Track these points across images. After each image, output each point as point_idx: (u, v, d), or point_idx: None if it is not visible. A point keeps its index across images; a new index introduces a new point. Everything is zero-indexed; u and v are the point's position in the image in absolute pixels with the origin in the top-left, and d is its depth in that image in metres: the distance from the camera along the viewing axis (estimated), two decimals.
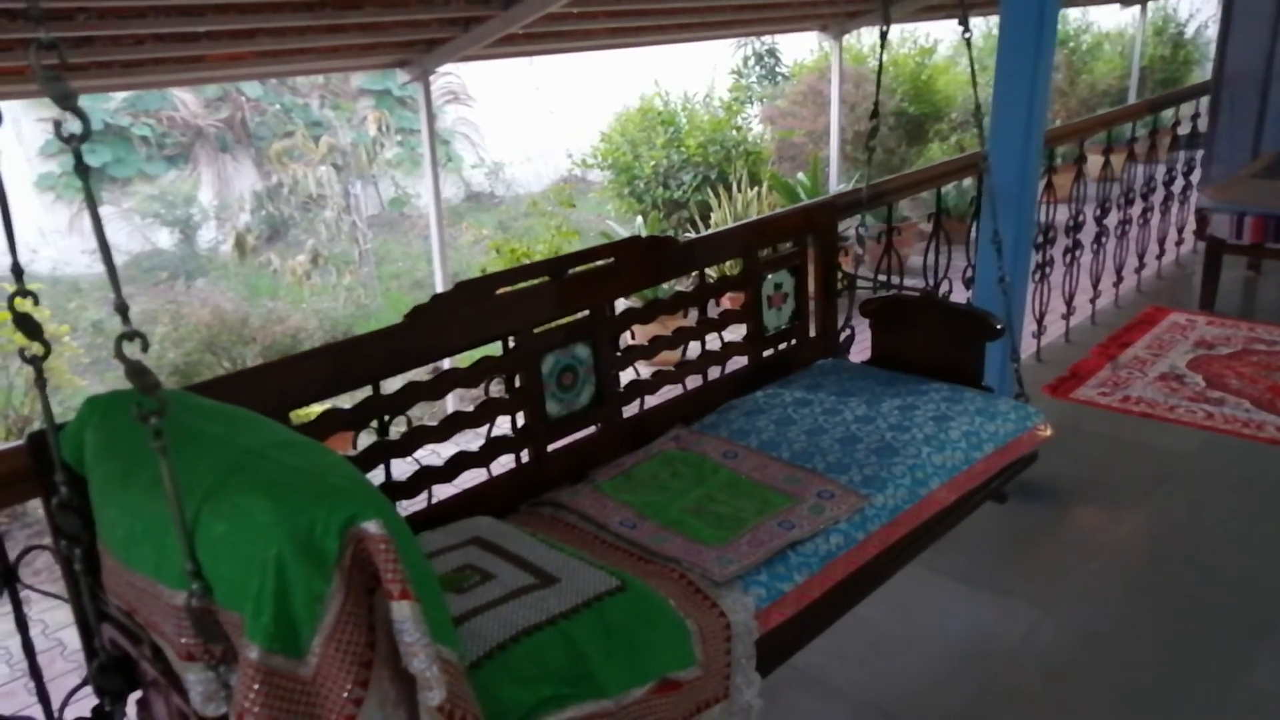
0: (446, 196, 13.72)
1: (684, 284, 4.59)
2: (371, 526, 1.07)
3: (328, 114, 11.56)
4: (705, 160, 8.58)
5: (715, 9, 6.24)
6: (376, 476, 1.89)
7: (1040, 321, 4.41)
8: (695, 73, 10.59)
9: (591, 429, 2.22)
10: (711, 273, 2.77)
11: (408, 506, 1.92)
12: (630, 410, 2.36)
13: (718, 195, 8.08)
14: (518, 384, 2.06)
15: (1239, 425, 3.64)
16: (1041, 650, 2.54)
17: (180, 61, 4.37)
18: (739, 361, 2.62)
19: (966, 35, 2.45)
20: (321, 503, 1.08)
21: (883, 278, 3.17)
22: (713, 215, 7.96)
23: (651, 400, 2.42)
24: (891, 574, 2.01)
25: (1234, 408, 3.78)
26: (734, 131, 9.13)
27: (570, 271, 2.12)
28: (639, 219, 7.97)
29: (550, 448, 2.13)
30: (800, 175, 8.33)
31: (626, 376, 2.34)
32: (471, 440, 2.05)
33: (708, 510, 1.91)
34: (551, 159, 13.16)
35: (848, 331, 3.05)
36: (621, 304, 3.06)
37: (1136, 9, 12.14)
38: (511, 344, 2.04)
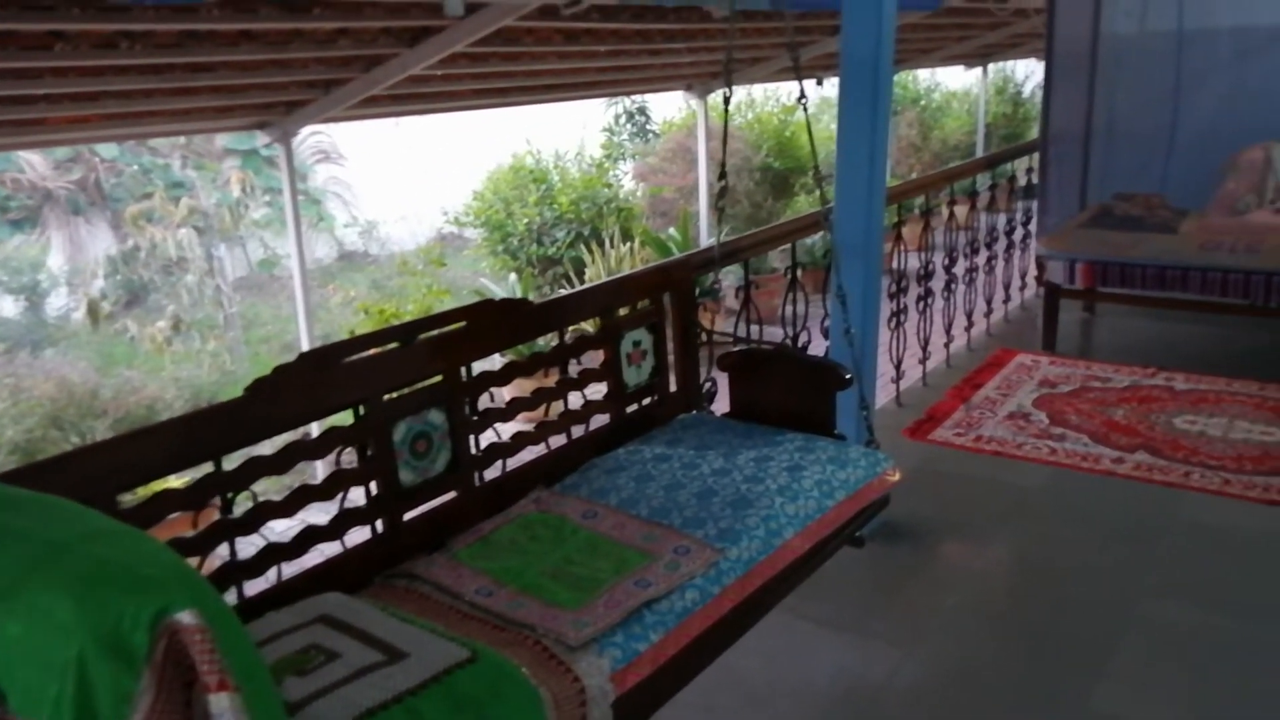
0: (319, 256, 13.44)
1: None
2: (185, 617, 1.02)
3: (190, 174, 11.20)
4: (578, 217, 8.68)
5: (581, 70, 6.36)
6: (219, 557, 1.82)
7: (898, 367, 4.61)
8: (567, 130, 10.77)
9: (449, 495, 2.19)
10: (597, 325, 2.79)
11: (253, 586, 1.85)
12: (492, 473, 2.34)
13: (591, 251, 8.18)
14: (369, 453, 2.02)
15: (1079, 459, 3.87)
16: (904, 689, 2.61)
17: (18, 125, 4.17)
18: (602, 419, 2.64)
19: (803, 102, 2.58)
20: (130, 596, 1.03)
21: (741, 332, 3.25)
22: (587, 270, 8.04)
23: (513, 462, 2.40)
24: (750, 625, 2.04)
25: (1074, 443, 4.02)
26: (606, 188, 9.28)
27: (421, 336, 2.10)
28: (512, 276, 7.97)
29: (406, 517, 2.09)
30: (671, 230, 8.52)
31: (488, 439, 2.33)
32: (322, 513, 1.99)
33: (566, 573, 1.90)
34: (426, 217, 13.09)
35: (710, 385, 3.11)
36: (497, 361, 3.07)
37: (979, 70, 13.01)
38: (362, 412, 2.00)
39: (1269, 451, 3.81)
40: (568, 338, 2.53)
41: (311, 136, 13.10)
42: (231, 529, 1.81)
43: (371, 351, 2.05)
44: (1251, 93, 5.06)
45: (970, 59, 11.83)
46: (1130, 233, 4.92)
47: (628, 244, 8.24)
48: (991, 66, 13.37)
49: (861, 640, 2.81)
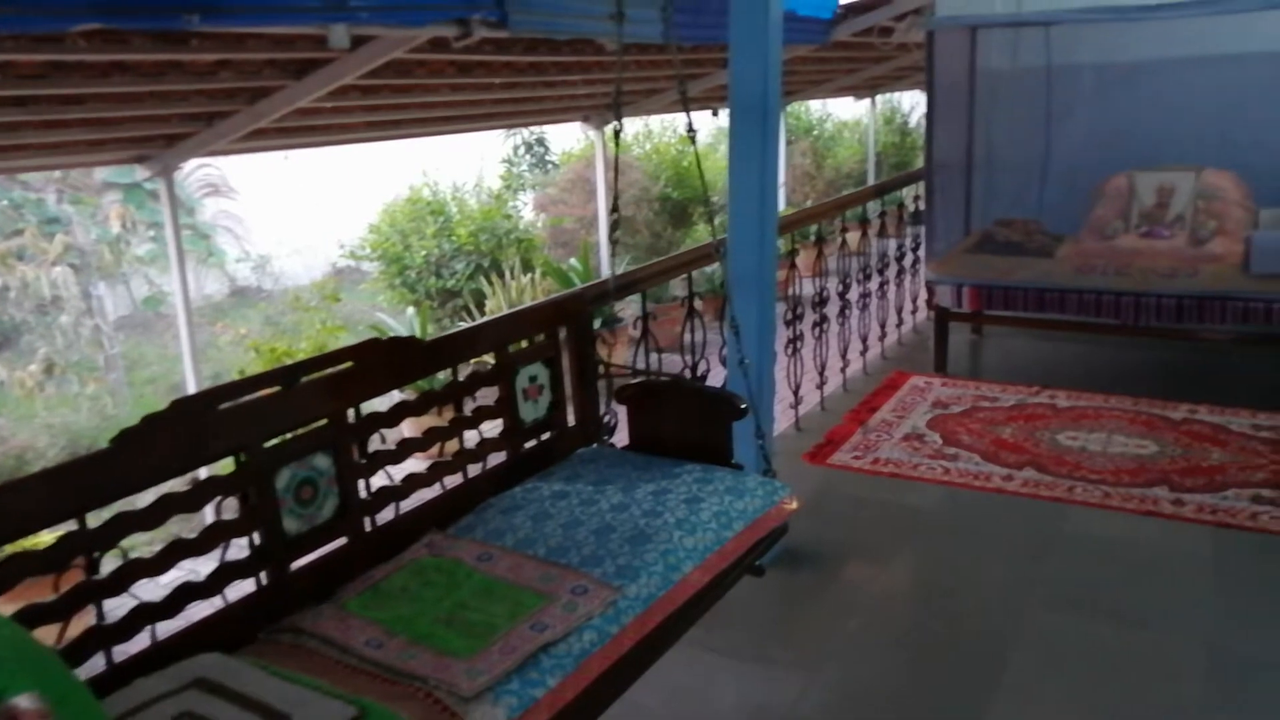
0: (209, 293, 12.95)
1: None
2: (24, 701, 0.94)
3: (66, 209, 10.66)
4: (477, 248, 8.60)
5: (476, 102, 6.32)
6: (83, 621, 1.70)
7: (797, 392, 4.67)
8: (465, 162, 10.67)
9: (338, 542, 2.11)
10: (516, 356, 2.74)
11: (123, 650, 1.73)
12: (384, 517, 2.27)
13: (492, 282, 8.10)
14: (250, 502, 1.93)
15: (971, 478, 3.99)
16: (809, 715, 2.63)
17: None
18: (499, 457, 2.59)
19: (692, 135, 2.61)
20: None
21: (641, 363, 3.26)
22: (487, 302, 7.96)
23: (407, 505, 2.33)
24: (651, 662, 2.02)
25: (966, 462, 4.14)
26: (506, 219, 9.22)
27: (304, 379, 2.03)
28: (410, 309, 7.83)
29: (292, 567, 2.00)
30: (573, 260, 8.51)
31: (379, 482, 2.26)
32: (203, 566, 1.89)
33: (460, 619, 1.85)
34: (322, 250, 12.76)
35: (609, 417, 3.10)
36: (397, 396, 2.97)
37: (868, 101, 13.47)
38: (242, 460, 1.91)
39: (1144, 464, 4.00)
40: (461, 374, 2.49)
41: (200, 169, 12.66)
42: (98, 590, 1.70)
43: (251, 396, 1.97)
44: (1114, 124, 5.36)
45: (859, 90, 12.24)
46: (1011, 257, 5.13)
47: (529, 275, 8.20)
48: (880, 98, 13.86)
49: (766, 669, 2.82)
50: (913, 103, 15.33)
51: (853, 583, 3.32)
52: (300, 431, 2.04)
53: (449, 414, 2.51)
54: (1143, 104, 5.29)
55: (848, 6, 6.74)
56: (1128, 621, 2.95)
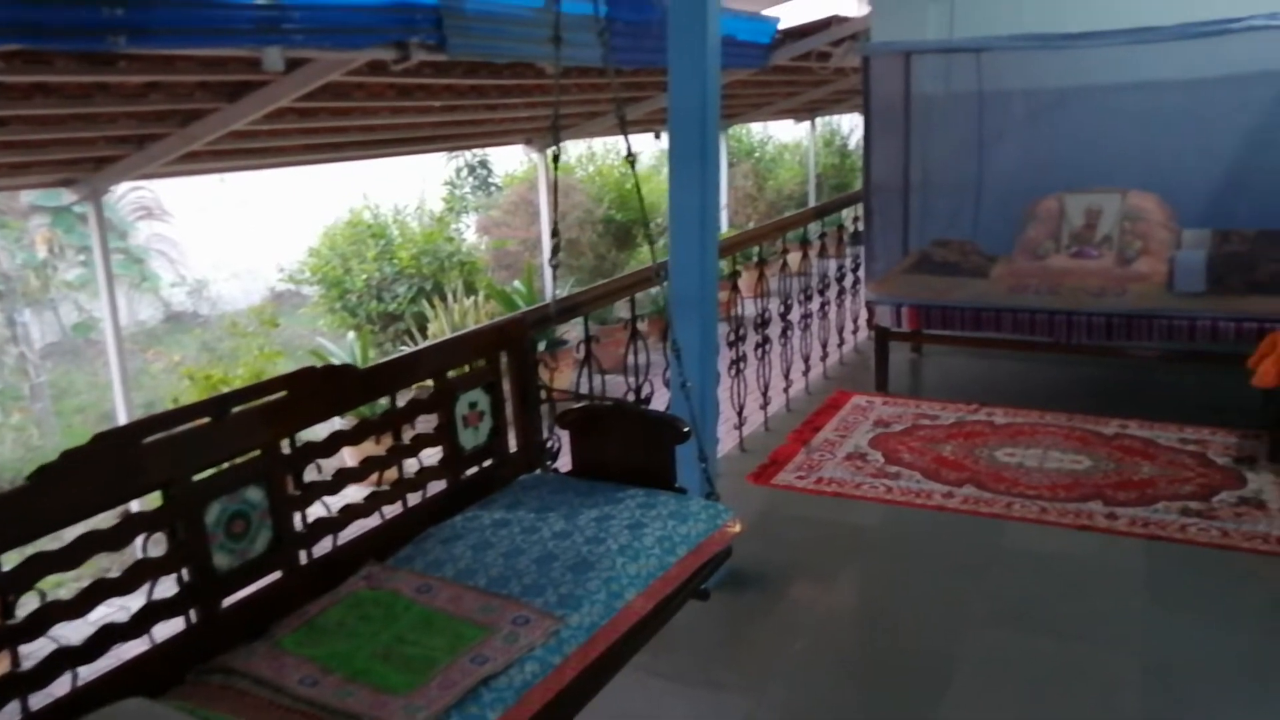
0: (143, 319, 12.63)
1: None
2: None
3: None
4: (419, 271, 8.52)
5: (416, 125, 6.27)
6: None
7: (740, 413, 4.70)
8: (406, 184, 10.59)
9: (272, 577, 2.05)
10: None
11: (41, 699, 1.66)
12: (321, 550, 2.22)
13: (434, 306, 8.02)
14: (178, 538, 1.86)
15: (913, 496, 4.04)
16: None
17: None
18: (439, 485, 2.55)
19: (631, 159, 2.61)
20: None
21: (585, 387, 3.24)
22: (430, 326, 7.87)
23: (345, 536, 2.28)
24: (595, 691, 1.99)
25: (908, 480, 4.19)
26: (448, 242, 9.16)
27: (235, 410, 1.97)
28: (351, 334, 7.72)
29: (224, 604, 1.94)
30: (516, 283, 8.48)
31: (316, 513, 2.21)
32: (133, 604, 1.82)
33: (398, 654, 1.80)
34: (261, 274, 12.55)
35: (553, 442, 3.07)
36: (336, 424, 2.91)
37: (808, 124, 13.69)
38: (169, 494, 1.85)
39: (1078, 479, 4.09)
40: (401, 401, 2.45)
41: (132, 192, 12.39)
42: (13, 635, 1.63)
43: (180, 428, 1.91)
44: (1043, 148, 5.52)
45: (799, 113, 12.43)
46: (948, 277, 5.23)
47: (472, 298, 8.14)
48: (819, 120, 14.10)
49: (712, 693, 2.81)
50: (852, 125, 15.61)
51: (798, 603, 3.32)
52: (232, 463, 1.98)
53: (387, 442, 2.47)
54: (1070, 128, 5.45)
55: (786, 32, 6.86)
56: (1065, 635, 3.00)
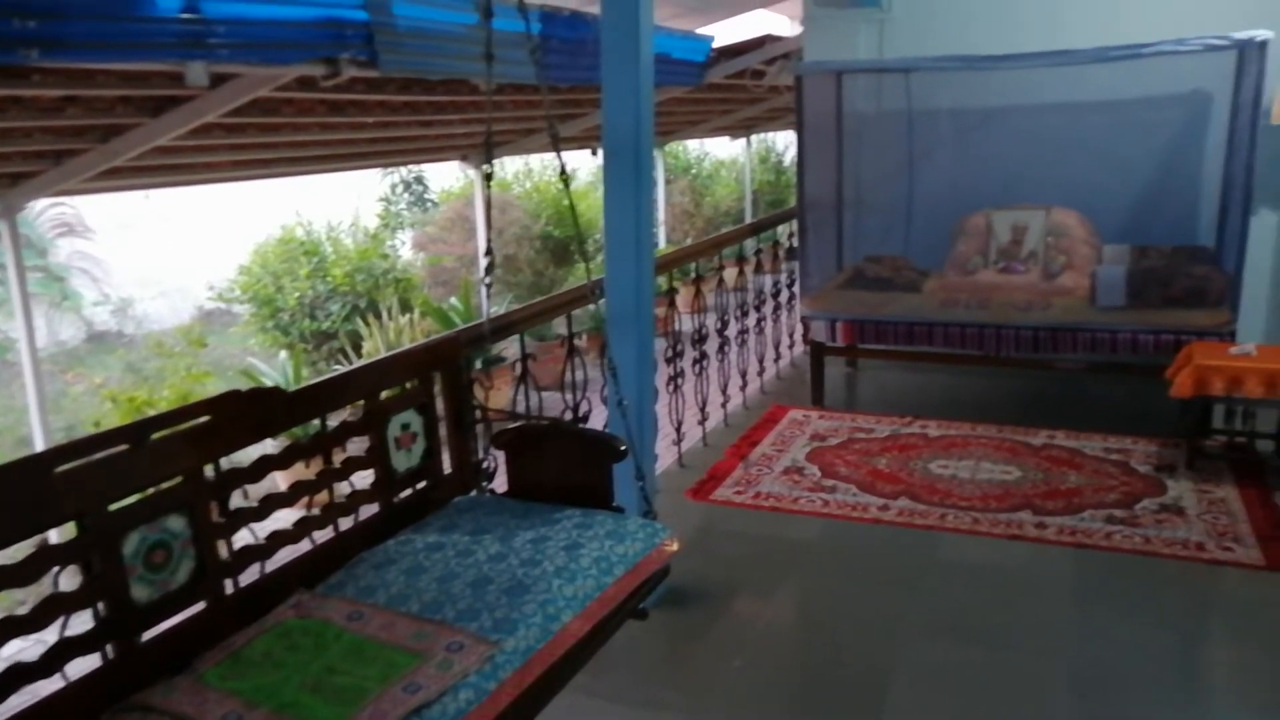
0: (64, 339, 12.20)
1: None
2: None
3: None
4: (353, 289, 8.39)
5: (349, 141, 6.19)
6: None
7: (679, 429, 4.70)
8: (340, 200, 10.43)
9: (196, 608, 1.98)
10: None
11: None
12: (249, 578, 2.15)
13: (369, 323, 7.90)
14: (93, 571, 1.79)
15: (849, 509, 4.08)
16: None
17: None
18: (372, 509, 2.50)
19: (565, 178, 2.61)
20: None
21: (522, 406, 3.21)
22: (364, 344, 7.75)
23: (274, 563, 2.22)
24: (532, 716, 1.96)
25: (844, 493, 4.24)
26: (383, 259, 9.04)
27: (155, 436, 1.91)
28: (283, 353, 7.56)
29: (143, 638, 1.87)
30: (453, 300, 8.39)
31: (243, 540, 2.14)
32: (48, 639, 1.74)
33: (327, 684, 1.75)
34: (190, 292, 12.23)
35: (489, 462, 3.04)
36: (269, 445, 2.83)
37: (744, 141, 13.85)
38: (84, 525, 1.78)
39: (1009, 490, 4.18)
40: (331, 423, 2.39)
41: (52, 208, 11.98)
42: None
43: (96, 455, 1.84)
44: (971, 166, 5.66)
45: (735, 130, 12.58)
46: (881, 293, 5.32)
47: (407, 315, 8.03)
48: (755, 137, 14.28)
49: (652, 713, 2.79)
50: (787, 142, 15.85)
51: (737, 620, 3.32)
52: (152, 491, 1.91)
53: (318, 465, 2.41)
54: (997, 146, 5.59)
55: (720, 50, 6.94)
56: (997, 645, 3.05)
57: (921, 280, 5.45)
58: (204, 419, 2.02)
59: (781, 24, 8.72)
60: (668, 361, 4.55)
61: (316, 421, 2.35)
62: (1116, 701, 2.76)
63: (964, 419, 5.06)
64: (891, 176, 5.89)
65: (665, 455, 4.73)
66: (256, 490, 2.33)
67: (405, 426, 2.54)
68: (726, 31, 7.21)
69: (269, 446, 2.91)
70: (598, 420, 3.56)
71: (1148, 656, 2.95)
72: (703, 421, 5.00)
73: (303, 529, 2.28)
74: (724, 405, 5.37)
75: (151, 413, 2.78)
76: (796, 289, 6.22)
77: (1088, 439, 4.72)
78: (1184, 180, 5.19)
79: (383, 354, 4.79)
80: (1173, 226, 5.20)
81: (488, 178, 2.63)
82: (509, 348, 5.27)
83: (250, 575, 2.17)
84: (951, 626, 3.17)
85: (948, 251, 5.62)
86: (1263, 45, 4.27)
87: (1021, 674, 2.89)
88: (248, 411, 2.10)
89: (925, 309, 5.10)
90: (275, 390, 2.22)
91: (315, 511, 2.36)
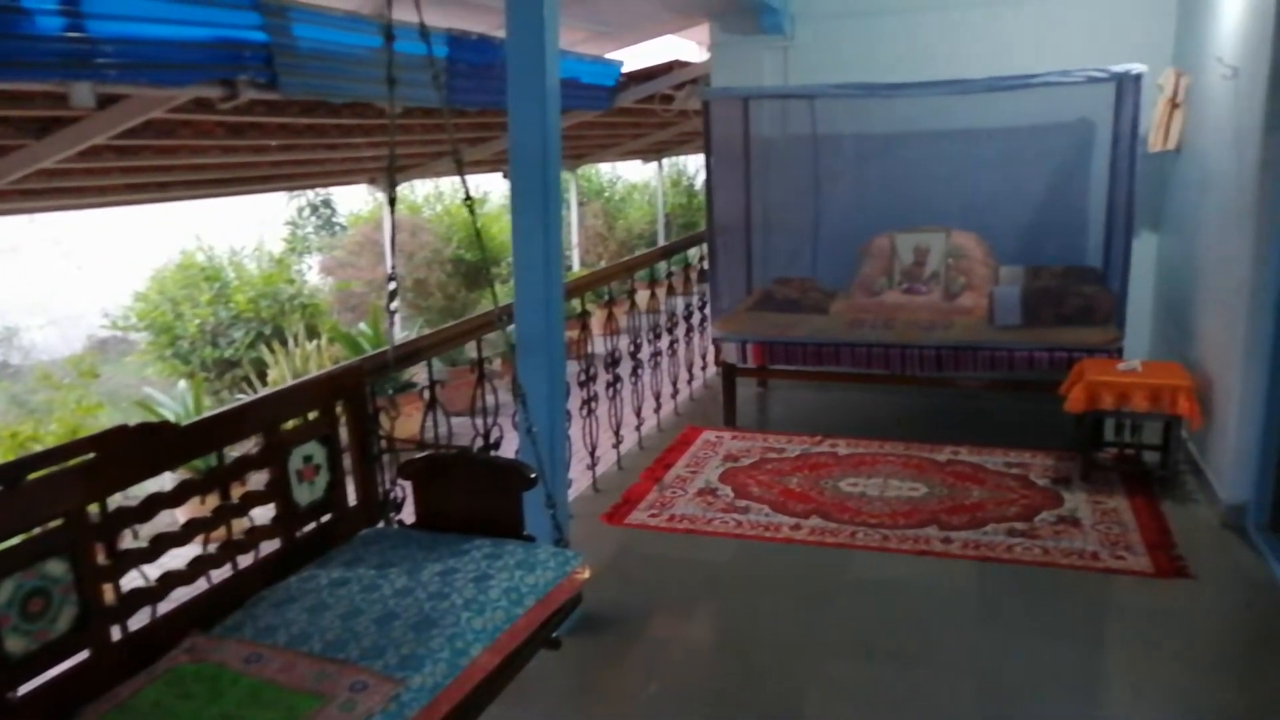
0: None
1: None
2: None
3: None
4: (258, 315, 8.15)
5: (251, 164, 6.02)
6: None
7: (593, 453, 4.68)
8: (244, 224, 10.14)
9: (79, 657, 1.88)
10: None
11: None
12: (139, 622, 2.05)
13: (274, 350, 7.68)
14: None
15: (762, 529, 4.11)
16: None
17: None
18: (273, 545, 2.41)
19: (469, 201, 2.58)
20: None
21: (431, 434, 3.15)
22: (270, 372, 7.52)
23: (165, 606, 2.12)
24: None
25: (757, 514, 4.27)
26: (289, 284, 8.81)
27: (31, 476, 1.81)
28: (183, 383, 7.28)
29: (18, 693, 1.76)
30: (362, 325, 8.22)
31: (133, 582, 2.04)
32: None
33: None
34: (83, 320, 11.70)
35: (397, 494, 2.97)
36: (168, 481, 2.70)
37: (656, 164, 13.97)
38: None
39: (916, 506, 4.28)
40: (230, 457, 2.31)
41: None
42: None
43: None
44: (875, 189, 5.82)
45: (646, 154, 12.68)
46: (790, 314, 5.41)
47: (315, 341, 7.83)
48: (666, 161, 14.41)
49: None
50: (698, 166, 16.04)
51: (653, 645, 3.31)
52: (29, 535, 1.81)
53: (214, 501, 2.32)
54: (899, 171, 5.77)
55: (630, 75, 7.00)
56: (907, 661, 3.10)
57: (829, 301, 5.56)
58: (88, 456, 1.93)
59: (690, 49, 8.84)
60: (581, 385, 4.53)
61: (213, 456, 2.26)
62: (1020, 712, 2.83)
63: (872, 437, 5.17)
64: (799, 200, 6.02)
65: (580, 480, 4.71)
66: (150, 529, 2.23)
67: (308, 458, 2.47)
68: (636, 56, 7.28)
69: (169, 481, 2.80)
70: (510, 446, 3.52)
71: (1048, 665, 3.04)
72: (617, 445, 4.99)
73: (198, 568, 2.19)
74: (638, 428, 5.37)
75: (37, 448, 2.63)
76: (708, 311, 6.28)
77: (990, 454, 4.87)
78: (1073, 203, 5.44)
79: (289, 382, 4.65)
80: (1064, 248, 5.43)
81: (391, 202, 2.58)
82: (420, 373, 5.19)
83: (140, 620, 2.07)
84: (863, 644, 3.22)
85: (854, 273, 5.76)
86: (1138, 78, 4.52)
87: (931, 688, 2.95)
88: (137, 447, 2.01)
89: (833, 330, 5.21)
90: (166, 425, 2.13)
91: (212, 549, 2.27)
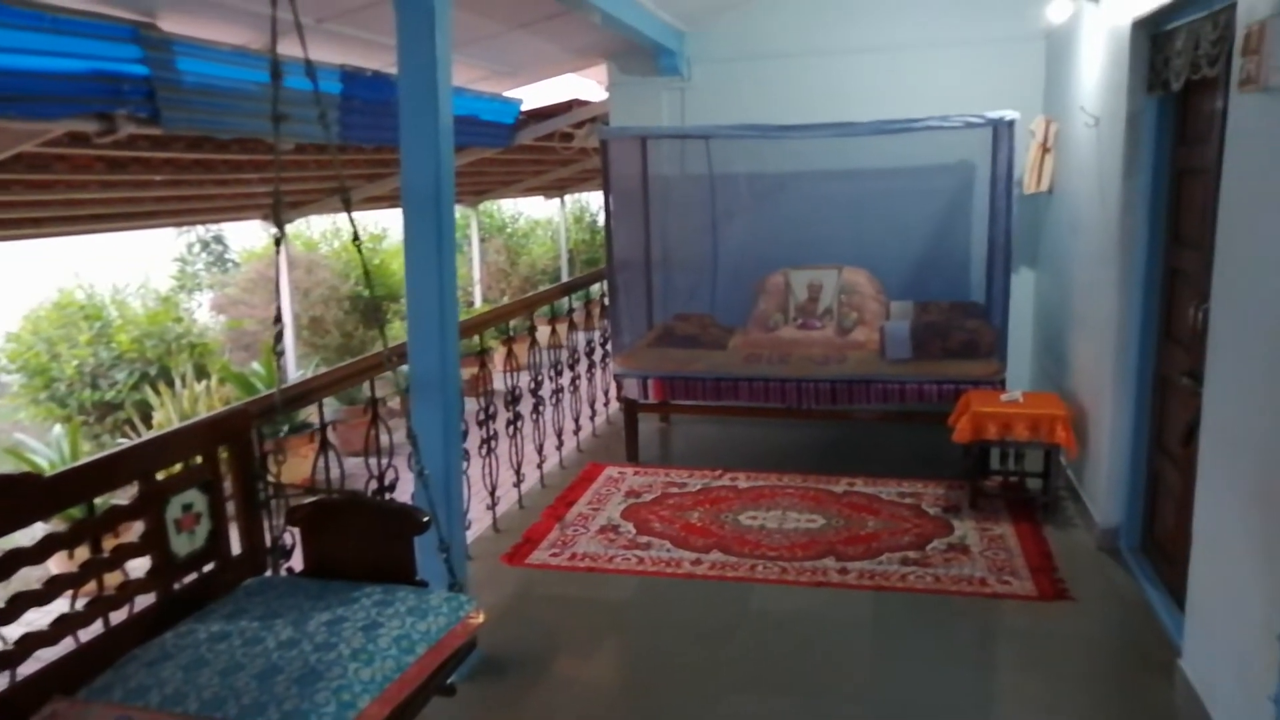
0: None
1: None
2: None
3: None
4: (143, 355, 7.81)
5: (134, 199, 5.81)
6: None
7: (493, 493, 4.62)
8: (128, 261, 9.74)
9: None
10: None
11: None
12: None
13: (160, 392, 7.36)
14: None
15: (663, 565, 4.12)
16: None
17: None
18: (149, 599, 2.30)
19: (358, 241, 2.54)
20: None
21: (323, 477, 3.06)
22: (155, 414, 7.20)
23: (26, 669, 1.99)
24: None
25: (659, 549, 4.28)
26: (177, 322, 8.48)
27: None
28: (58, 427, 6.90)
29: None
30: (255, 364, 7.96)
31: None
32: None
33: None
34: None
35: (285, 541, 2.87)
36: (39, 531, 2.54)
37: (558, 201, 14.02)
38: None
39: (814, 537, 4.35)
40: (107, 505, 2.20)
41: None
42: None
43: None
44: (769, 227, 5.96)
45: (548, 190, 12.72)
46: (689, 350, 5.47)
47: (204, 382, 7.54)
48: (569, 198, 14.48)
49: None
50: (600, 203, 16.16)
51: (553, 686, 3.26)
52: None
53: (83, 555, 2.20)
54: (793, 209, 5.93)
55: (530, 113, 7.03)
56: (806, 693, 3.13)
57: (727, 337, 5.65)
58: None
59: (590, 88, 8.94)
60: (480, 424, 4.48)
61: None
62: None
63: (771, 469, 5.24)
64: (696, 237, 6.12)
65: (480, 520, 4.64)
66: (11, 587, 2.10)
67: (187, 507, 2.37)
68: (536, 95, 7.32)
69: (41, 531, 2.64)
70: (405, 488, 3.44)
71: (942, 690, 3.11)
72: (519, 484, 4.94)
73: (62, 628, 2.07)
74: (540, 466, 5.33)
75: None
76: (610, 346, 6.30)
77: (884, 484, 5.00)
78: (957, 241, 5.67)
79: (175, 425, 4.46)
80: (949, 284, 5.66)
81: (278, 241, 2.52)
82: (314, 414, 5.04)
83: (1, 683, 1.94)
84: (763, 677, 3.24)
85: (751, 309, 5.87)
86: (1011, 124, 4.77)
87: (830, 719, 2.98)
88: None
89: (731, 365, 5.28)
90: (27, 476, 2.02)
91: (79, 607, 2.15)
